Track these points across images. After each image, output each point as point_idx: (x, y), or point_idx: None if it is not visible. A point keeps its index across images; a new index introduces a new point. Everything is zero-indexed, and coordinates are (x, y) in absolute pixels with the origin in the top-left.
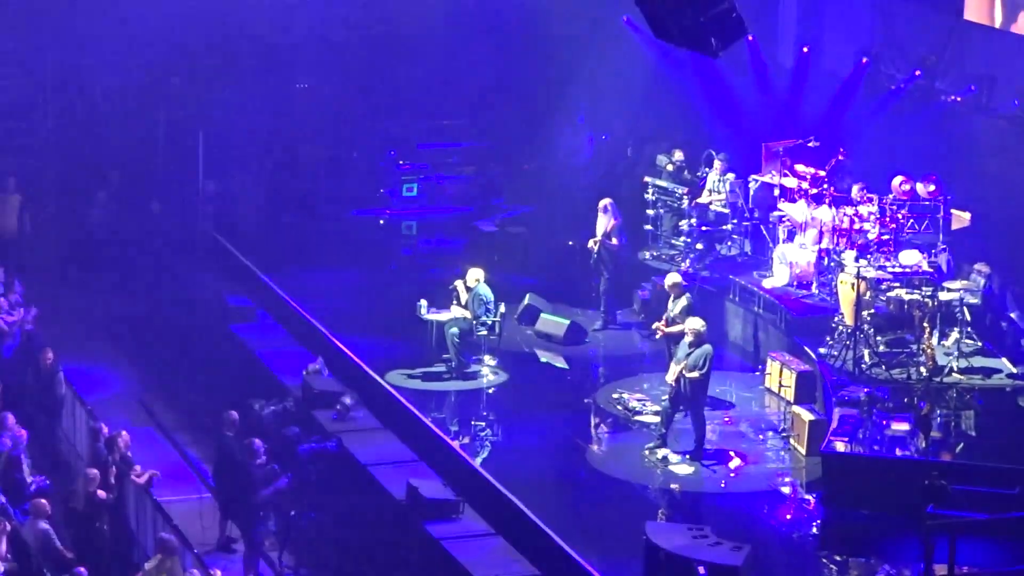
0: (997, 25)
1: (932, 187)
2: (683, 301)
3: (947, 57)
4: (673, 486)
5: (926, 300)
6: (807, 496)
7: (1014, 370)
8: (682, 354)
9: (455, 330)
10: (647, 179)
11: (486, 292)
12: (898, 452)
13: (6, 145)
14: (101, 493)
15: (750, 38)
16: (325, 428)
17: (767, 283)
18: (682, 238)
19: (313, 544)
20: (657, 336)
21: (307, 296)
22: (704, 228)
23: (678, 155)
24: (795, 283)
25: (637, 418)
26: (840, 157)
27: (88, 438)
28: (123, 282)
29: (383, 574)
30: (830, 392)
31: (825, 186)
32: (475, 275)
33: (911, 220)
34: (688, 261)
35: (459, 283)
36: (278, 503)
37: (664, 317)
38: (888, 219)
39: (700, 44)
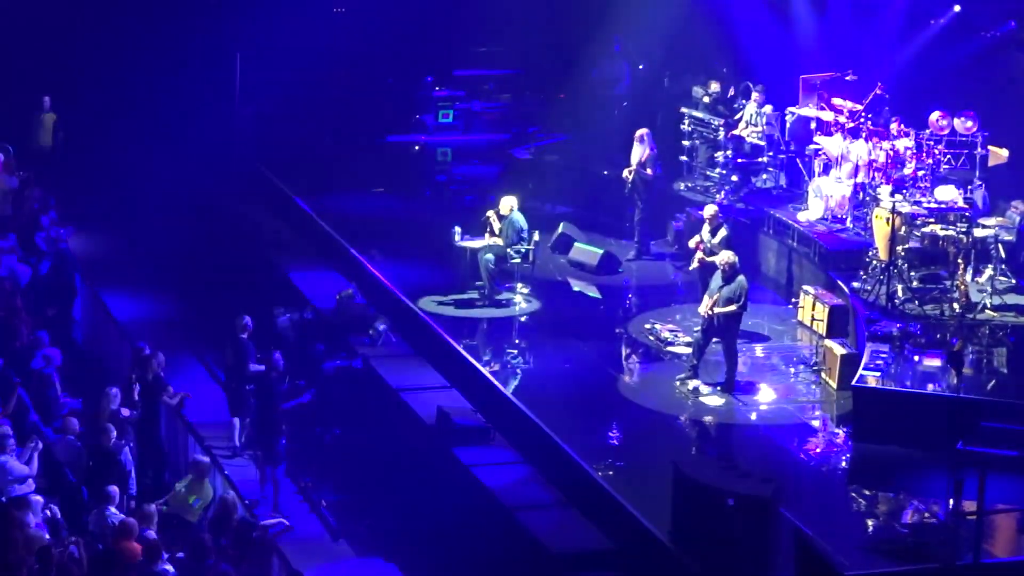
0: None
1: (970, 123)
2: (722, 232)
3: None
4: (707, 418)
5: (961, 236)
6: (837, 430)
7: None
8: (715, 286)
9: (490, 257)
10: (683, 110)
11: (520, 220)
12: (929, 388)
13: (43, 63)
14: (124, 411)
15: None
16: (356, 352)
17: (802, 216)
18: (717, 170)
19: (338, 463)
20: (692, 267)
21: (341, 221)
22: (739, 160)
23: (714, 86)
24: (830, 217)
25: (669, 349)
26: (878, 91)
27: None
28: (157, 204)
29: (410, 497)
30: (862, 327)
31: (862, 120)
32: (509, 203)
33: (948, 156)
34: (723, 193)
35: (491, 213)
36: (302, 419)
37: (700, 244)
38: (925, 154)
39: None
